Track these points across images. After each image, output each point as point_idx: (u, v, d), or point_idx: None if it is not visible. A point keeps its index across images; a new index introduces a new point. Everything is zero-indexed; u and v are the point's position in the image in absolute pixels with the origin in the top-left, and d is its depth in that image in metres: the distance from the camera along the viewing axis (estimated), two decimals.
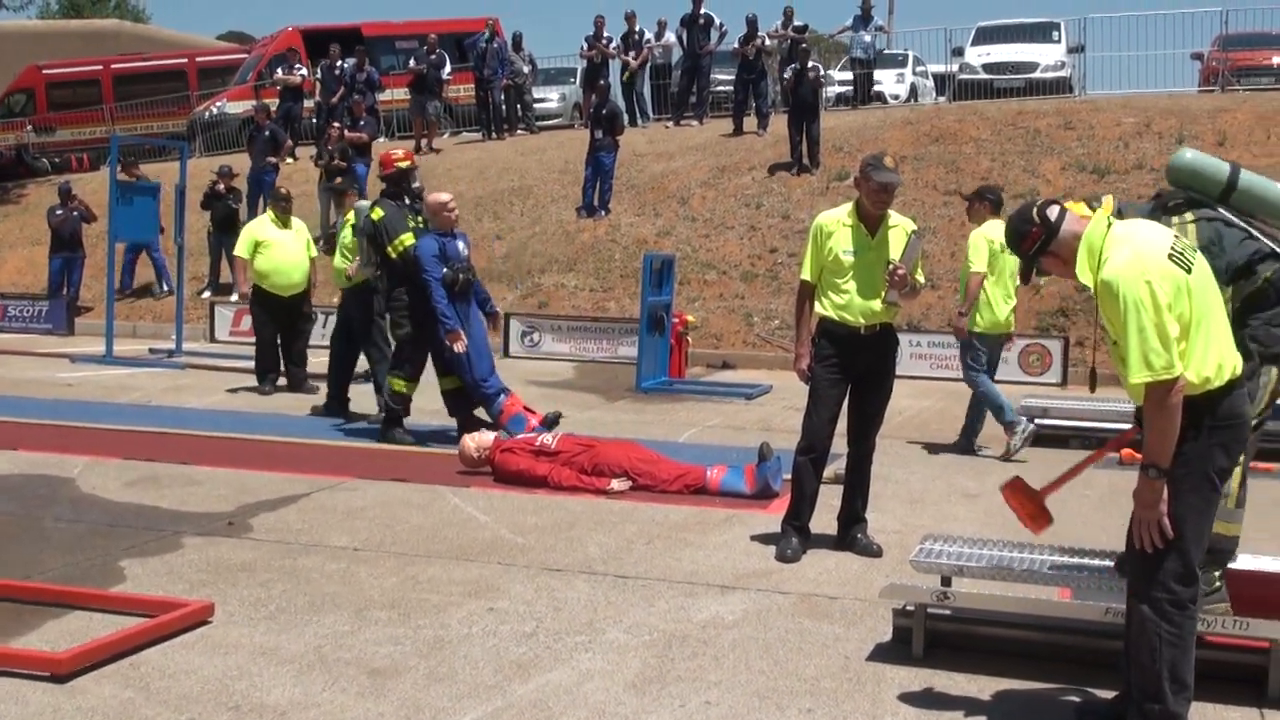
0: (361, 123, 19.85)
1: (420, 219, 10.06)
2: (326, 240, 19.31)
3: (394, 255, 9.98)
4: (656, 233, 17.89)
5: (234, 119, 24.90)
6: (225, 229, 18.38)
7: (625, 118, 21.07)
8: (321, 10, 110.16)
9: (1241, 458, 4.65)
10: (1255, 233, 4.80)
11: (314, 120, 23.09)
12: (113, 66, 30.29)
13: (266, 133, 20.16)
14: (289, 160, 22.06)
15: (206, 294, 18.53)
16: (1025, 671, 4.78)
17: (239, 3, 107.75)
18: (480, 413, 9.83)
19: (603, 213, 18.59)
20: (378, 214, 10.37)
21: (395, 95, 24.25)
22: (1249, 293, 4.72)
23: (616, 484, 7.95)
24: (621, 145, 19.06)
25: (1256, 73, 22.14)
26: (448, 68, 22.67)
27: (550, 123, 25.14)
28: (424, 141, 22.81)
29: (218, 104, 26.53)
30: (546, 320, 16.04)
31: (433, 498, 7.76)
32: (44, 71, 30.26)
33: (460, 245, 9.87)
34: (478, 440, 8.59)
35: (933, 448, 9.89)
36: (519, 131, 23.79)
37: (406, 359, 9.91)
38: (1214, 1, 25.53)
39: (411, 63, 23.16)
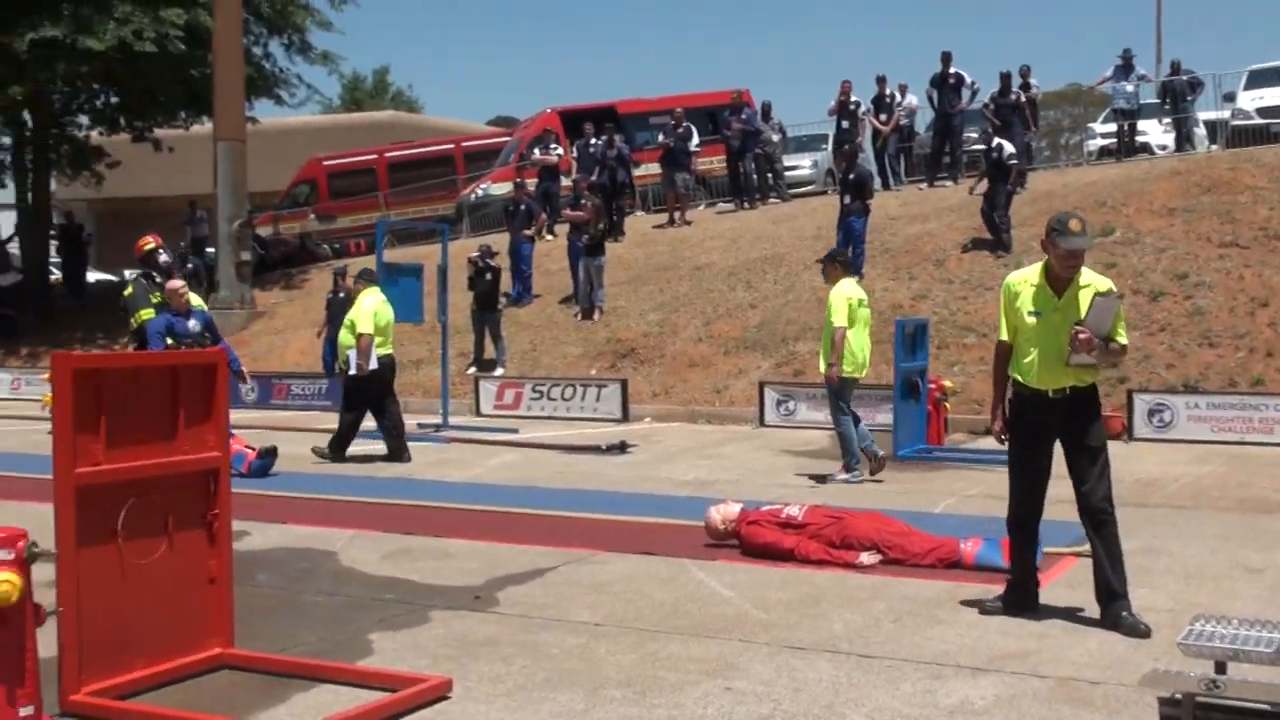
0: (582, 201, 20.56)
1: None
2: (584, 313, 19.75)
3: (134, 326, 12.67)
4: (912, 296, 17.52)
5: (498, 200, 25.80)
6: (487, 306, 19.07)
7: (876, 181, 20.84)
8: (583, 91, 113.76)
9: None
10: None
11: (574, 197, 23.76)
12: (386, 155, 31.95)
13: (522, 207, 21.06)
14: (548, 237, 22.71)
15: (472, 370, 19.11)
16: None
17: (507, 88, 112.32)
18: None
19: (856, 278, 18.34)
20: (128, 291, 13.19)
21: (649, 170, 24.72)
22: None
23: (866, 558, 7.70)
24: (873, 209, 18.80)
25: None
26: (695, 140, 22.93)
27: (803, 190, 25.09)
28: (677, 214, 23.06)
29: (482, 186, 27.56)
30: (801, 389, 15.87)
31: (678, 571, 7.68)
32: (324, 163, 32.18)
33: (191, 323, 12.09)
34: (724, 512, 8.48)
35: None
36: (771, 200, 23.81)
37: None
38: None
39: (660, 137, 23.58)
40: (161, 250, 13.21)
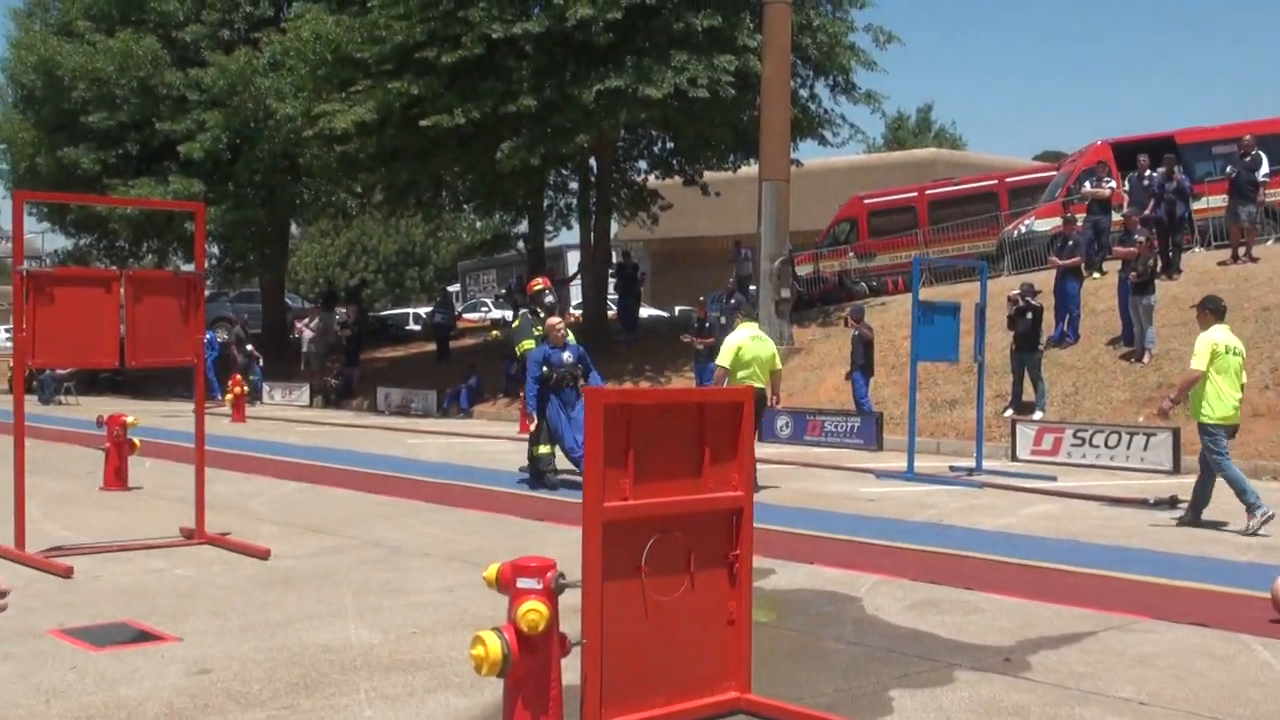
0: (1135, 235, 19.20)
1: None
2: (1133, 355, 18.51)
3: (517, 354, 14.94)
4: None
5: (1041, 237, 24.83)
6: (1026, 346, 18.30)
7: None
8: (1137, 122, 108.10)
9: None
10: None
11: (1125, 233, 22.41)
12: (927, 193, 31.66)
13: (1069, 243, 20.06)
14: (1094, 275, 21.53)
15: (1009, 412, 18.40)
16: None
17: (1054, 122, 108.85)
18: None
19: None
20: (515, 324, 15.65)
21: (1211, 203, 22.89)
22: None
23: None
24: None
25: None
26: (1264, 169, 20.87)
27: None
28: (1241, 249, 21.13)
29: (1026, 222, 26.65)
30: None
31: (1238, 649, 6.84)
32: (865, 201, 32.37)
33: (565, 355, 13.75)
34: None
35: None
36: None
37: (536, 430, 13.89)
38: None
39: (1228, 169, 21.72)
40: (548, 292, 15.26)
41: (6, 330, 37.74)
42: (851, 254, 31.46)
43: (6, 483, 9.80)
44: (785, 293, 24.47)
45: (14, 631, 6.97)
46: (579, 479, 14.05)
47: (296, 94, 28.96)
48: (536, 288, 15.37)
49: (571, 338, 14.38)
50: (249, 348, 31.45)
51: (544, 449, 13.97)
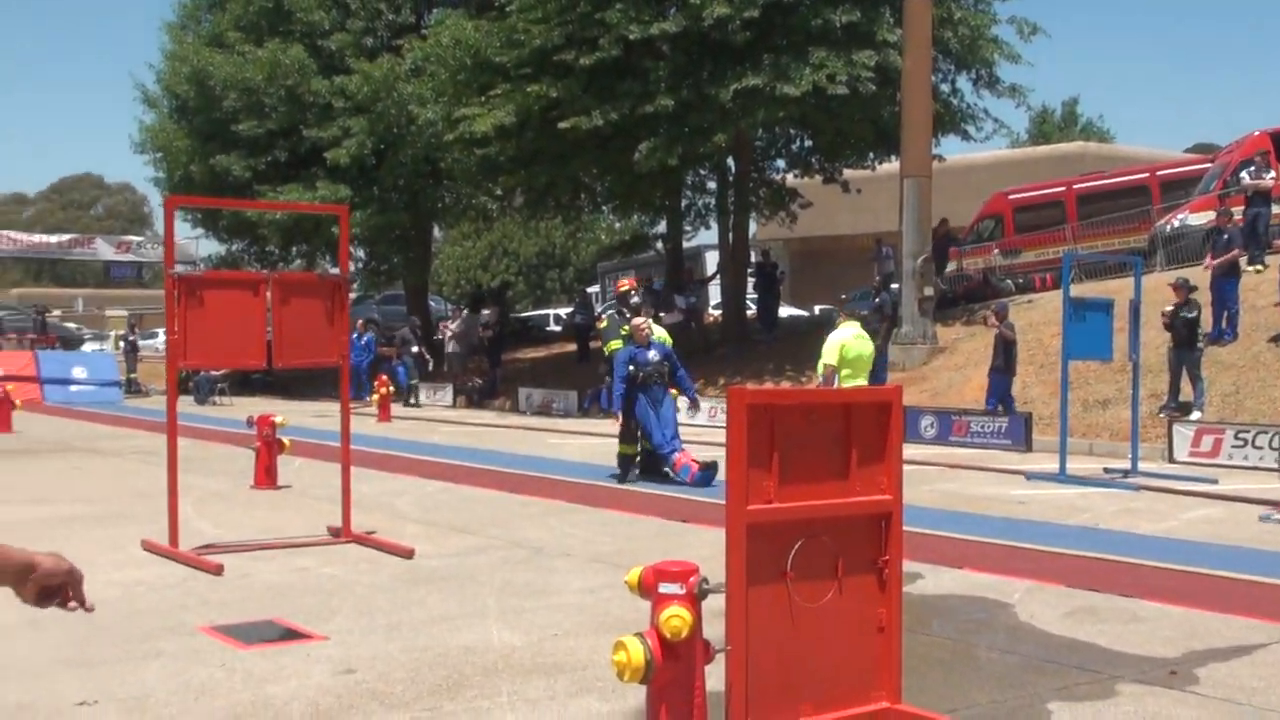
0: None
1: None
2: None
3: (606, 353, 15.49)
4: None
5: (1196, 231, 23.97)
6: (1184, 344, 17.65)
7: None
8: None
9: None
10: None
11: None
12: (1075, 187, 30.83)
13: (1225, 236, 19.28)
14: (1249, 269, 20.70)
15: (1164, 413, 17.76)
16: None
17: (1206, 114, 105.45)
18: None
19: None
20: (603, 323, 16.39)
21: None
22: None
23: None
24: None
25: None
26: None
27: None
28: None
29: (1179, 216, 25.75)
30: None
31: None
32: (1010, 197, 31.66)
33: (651, 354, 14.10)
34: None
35: None
36: None
37: (624, 429, 14.26)
38: None
39: None
40: (634, 293, 15.95)
41: (163, 333, 38.99)
42: (996, 251, 30.81)
43: (162, 481, 10.03)
44: (929, 291, 24.01)
45: (167, 628, 7.10)
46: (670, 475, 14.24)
47: (437, 99, 29.35)
48: (624, 289, 15.99)
49: (663, 337, 14.72)
50: (415, 349, 31.94)
51: (627, 449, 14.45)
